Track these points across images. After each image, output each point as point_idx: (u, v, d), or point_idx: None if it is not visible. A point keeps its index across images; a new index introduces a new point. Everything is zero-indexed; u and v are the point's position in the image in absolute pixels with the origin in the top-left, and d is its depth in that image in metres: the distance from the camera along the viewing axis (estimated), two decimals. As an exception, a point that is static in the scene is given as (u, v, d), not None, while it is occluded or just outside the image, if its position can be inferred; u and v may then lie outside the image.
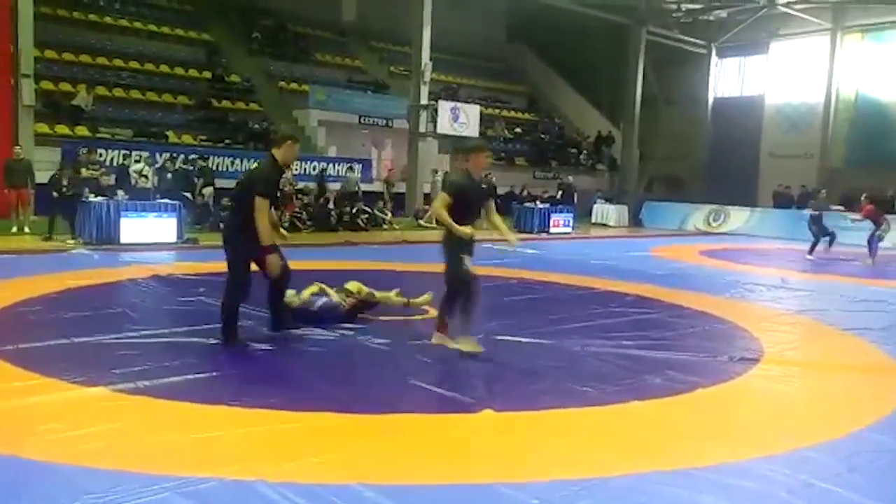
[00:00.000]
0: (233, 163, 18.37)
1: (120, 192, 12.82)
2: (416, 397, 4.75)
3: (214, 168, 17.22)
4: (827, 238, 15.24)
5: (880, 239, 14.73)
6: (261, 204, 5.59)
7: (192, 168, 16.38)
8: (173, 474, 3.32)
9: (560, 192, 22.75)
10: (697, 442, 4.15)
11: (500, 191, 22.50)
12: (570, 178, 24.13)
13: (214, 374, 4.97)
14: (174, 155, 16.76)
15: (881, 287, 11.26)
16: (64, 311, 6.87)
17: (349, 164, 19.59)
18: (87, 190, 13.04)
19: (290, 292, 6.50)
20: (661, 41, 27.80)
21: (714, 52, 29.49)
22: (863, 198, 15.30)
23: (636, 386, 5.12)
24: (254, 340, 5.88)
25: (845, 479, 3.64)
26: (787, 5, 24.73)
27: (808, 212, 15.94)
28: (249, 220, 5.60)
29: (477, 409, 4.44)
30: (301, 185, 17.77)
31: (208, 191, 15.92)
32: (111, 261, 10.45)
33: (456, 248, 5.76)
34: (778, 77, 27.65)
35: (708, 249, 16.39)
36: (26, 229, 12.74)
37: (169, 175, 15.36)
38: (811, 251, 14.97)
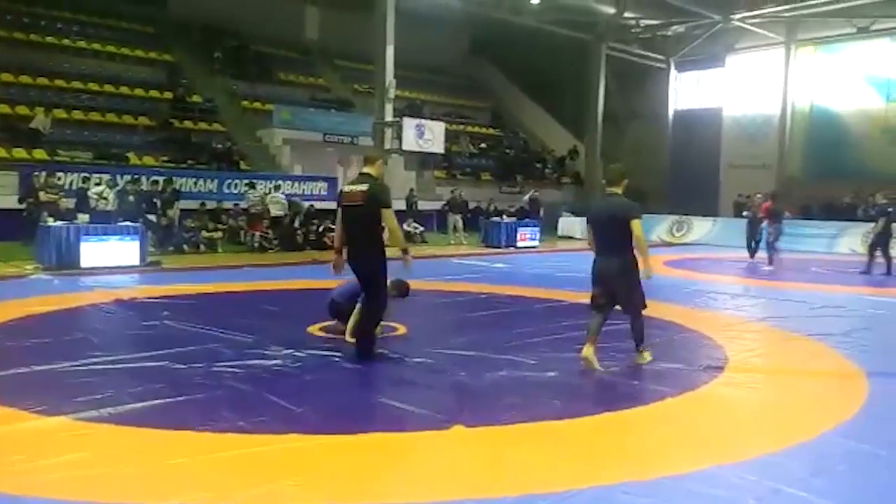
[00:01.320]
0: (195, 183, 18.16)
1: (81, 216, 12.58)
2: (386, 415, 4.72)
3: (178, 188, 16.99)
4: (755, 243, 15.61)
5: (773, 241, 15.05)
6: (392, 213, 6.06)
7: (158, 190, 16.12)
8: (142, 503, 3.25)
9: (529, 205, 23.00)
10: (666, 451, 4.19)
11: (469, 206, 22.69)
12: (537, 192, 24.35)
13: (180, 398, 4.88)
14: (135, 176, 16.51)
15: (840, 293, 11.53)
16: (23, 338, 6.70)
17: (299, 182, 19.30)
18: (45, 214, 12.81)
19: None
20: (622, 56, 28.28)
21: (673, 67, 30.06)
22: (760, 196, 15.89)
23: (605, 397, 5.17)
24: (219, 362, 5.80)
25: (811, 483, 3.70)
26: (741, 20, 25.31)
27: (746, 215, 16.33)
28: (380, 236, 5.97)
29: (447, 426, 4.43)
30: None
31: (174, 211, 15.70)
32: (72, 286, 10.24)
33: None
34: (735, 90, 28.27)
35: (672, 259, 16.61)
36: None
37: (130, 197, 15.12)
38: (769, 261, 15.08)
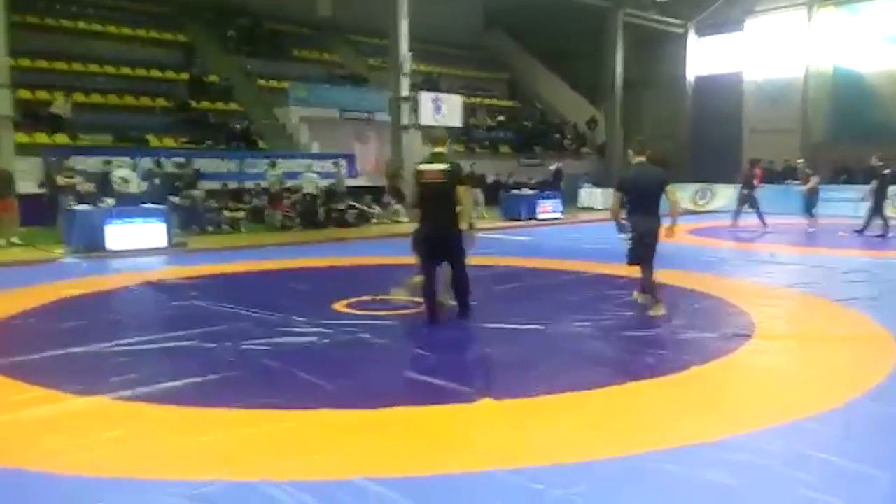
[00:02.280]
0: (216, 164, 18.25)
1: (108, 200, 12.70)
2: (413, 390, 4.78)
3: (198, 169, 17.12)
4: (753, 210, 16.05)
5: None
6: (466, 189, 6.65)
7: (178, 172, 16.27)
8: (177, 479, 3.34)
9: (554, 176, 23.15)
10: (693, 419, 4.20)
11: (487, 179, 22.61)
12: (561, 163, 24.28)
13: (211, 376, 4.96)
14: (158, 159, 16.66)
15: (866, 257, 11.40)
16: (58, 321, 6.84)
17: (334, 161, 19.46)
18: (70, 198, 12.96)
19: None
20: (639, 22, 27.80)
21: (692, 31, 29.54)
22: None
23: (631, 367, 5.18)
24: (248, 340, 5.89)
25: (841, 447, 3.70)
26: (761, -19, 24.79)
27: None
28: (455, 209, 6.41)
29: (475, 399, 4.47)
30: (290, 183, 17.72)
31: (199, 193, 15.80)
32: (101, 268, 10.40)
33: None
34: (756, 53, 27.71)
35: (696, 228, 16.48)
36: (14, 240, 12.61)
37: (156, 180, 15.28)
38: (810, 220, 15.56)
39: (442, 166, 6.51)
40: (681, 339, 5.96)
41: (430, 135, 7.12)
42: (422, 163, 6.70)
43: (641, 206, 6.91)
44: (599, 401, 4.52)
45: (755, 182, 16.34)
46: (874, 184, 14.20)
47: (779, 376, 5.18)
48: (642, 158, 7.03)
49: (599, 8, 26.44)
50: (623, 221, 7.10)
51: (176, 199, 14.72)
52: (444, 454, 3.78)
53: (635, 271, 7.20)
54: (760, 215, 15.84)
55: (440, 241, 6.57)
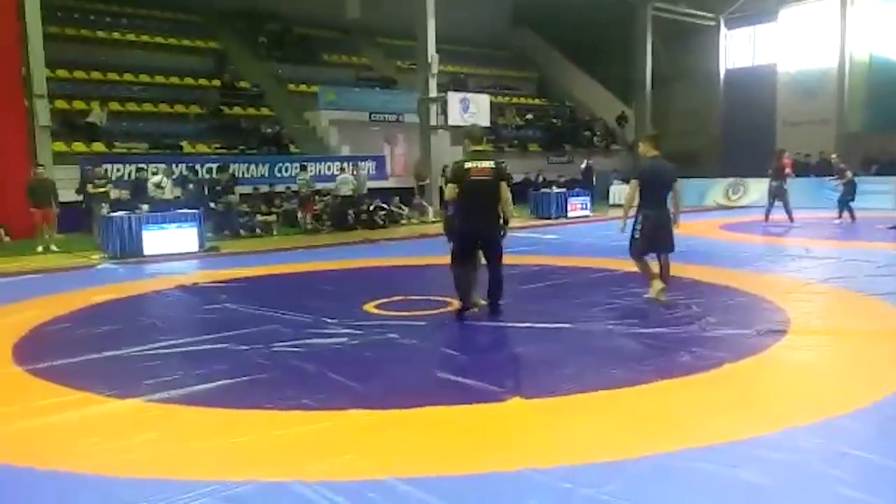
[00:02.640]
0: (248, 169, 18.50)
1: (145, 206, 12.93)
2: (444, 390, 4.78)
3: (233, 174, 17.40)
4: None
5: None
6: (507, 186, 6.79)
7: (215, 177, 16.58)
8: (210, 479, 3.38)
9: (584, 173, 23.13)
10: (727, 417, 4.14)
11: (516, 178, 22.51)
12: (591, 160, 24.13)
13: (244, 378, 5.03)
14: (190, 165, 16.94)
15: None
16: (93, 325, 6.98)
17: (353, 163, 19.47)
18: (103, 206, 13.25)
19: None
20: (668, 16, 27.50)
21: (723, 24, 29.13)
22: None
23: (662, 365, 5.13)
24: (280, 342, 5.95)
25: (879, 445, 3.63)
26: (794, -29, 24.35)
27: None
28: (497, 207, 6.68)
29: (505, 398, 4.47)
30: (319, 186, 17.87)
31: (235, 198, 16.02)
32: (136, 273, 10.59)
33: None
34: (790, 44, 27.22)
35: (728, 223, 16.27)
36: (52, 248, 12.92)
37: (191, 186, 15.55)
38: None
39: (489, 164, 6.68)
40: (714, 337, 5.88)
41: (469, 133, 7.16)
42: (467, 161, 6.73)
43: (654, 199, 7.22)
44: (630, 399, 4.48)
45: (785, 173, 15.77)
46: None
47: (813, 373, 5.08)
48: (657, 153, 7.37)
49: (628, 3, 26.22)
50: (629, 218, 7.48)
51: (215, 205, 14.96)
52: (475, 454, 3.78)
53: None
54: (788, 210, 15.22)
55: (483, 238, 6.72)
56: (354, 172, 18.13)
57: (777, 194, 15.47)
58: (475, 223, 6.67)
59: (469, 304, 6.82)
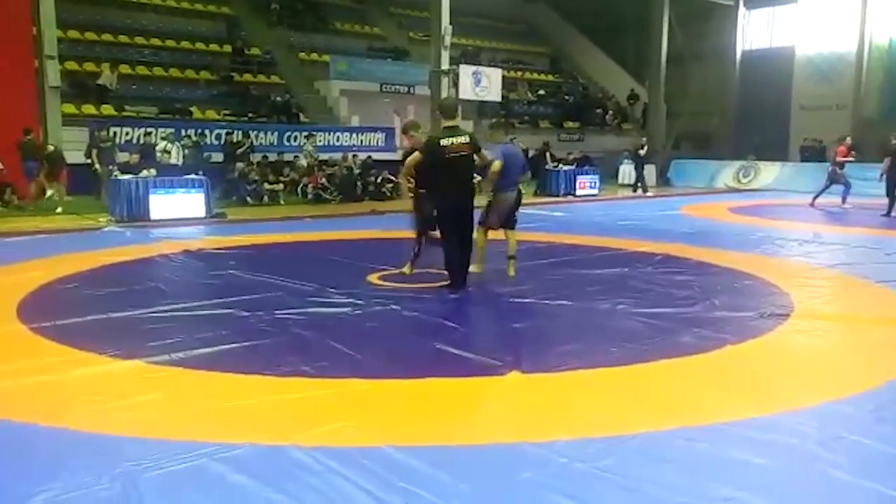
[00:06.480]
0: (257, 136, 18.45)
1: (151, 171, 12.92)
2: (444, 362, 4.79)
3: (252, 142, 17.42)
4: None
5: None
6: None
7: (233, 141, 16.77)
8: (208, 441, 3.42)
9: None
10: (725, 397, 4.15)
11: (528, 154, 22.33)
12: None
13: (246, 344, 5.06)
14: (200, 131, 16.90)
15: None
16: (100, 287, 7.03)
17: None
18: (108, 168, 13.32)
19: None
20: (687, -6, 27.06)
21: (742, 4, 28.68)
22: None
23: (664, 345, 5.13)
24: (283, 309, 5.97)
25: (875, 430, 3.63)
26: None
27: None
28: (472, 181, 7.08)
29: (504, 372, 4.48)
30: (325, 156, 17.80)
31: (241, 165, 16.01)
32: (143, 237, 10.63)
33: None
34: (809, 26, 26.82)
35: (738, 206, 16.17)
36: (58, 210, 12.97)
37: (203, 153, 15.59)
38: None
39: (464, 139, 6.71)
40: (717, 318, 5.87)
41: (442, 107, 7.24)
42: (440, 137, 6.72)
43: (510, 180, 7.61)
44: (629, 377, 4.49)
45: (837, 160, 15.67)
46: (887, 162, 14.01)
47: (814, 357, 5.08)
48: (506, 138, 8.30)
49: (645, -21, 25.81)
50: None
51: (232, 170, 15.05)
52: (472, 426, 3.81)
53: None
54: (844, 193, 15.39)
55: (463, 211, 6.81)
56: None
57: (834, 179, 15.47)
58: (456, 199, 6.77)
59: (463, 280, 6.88)
